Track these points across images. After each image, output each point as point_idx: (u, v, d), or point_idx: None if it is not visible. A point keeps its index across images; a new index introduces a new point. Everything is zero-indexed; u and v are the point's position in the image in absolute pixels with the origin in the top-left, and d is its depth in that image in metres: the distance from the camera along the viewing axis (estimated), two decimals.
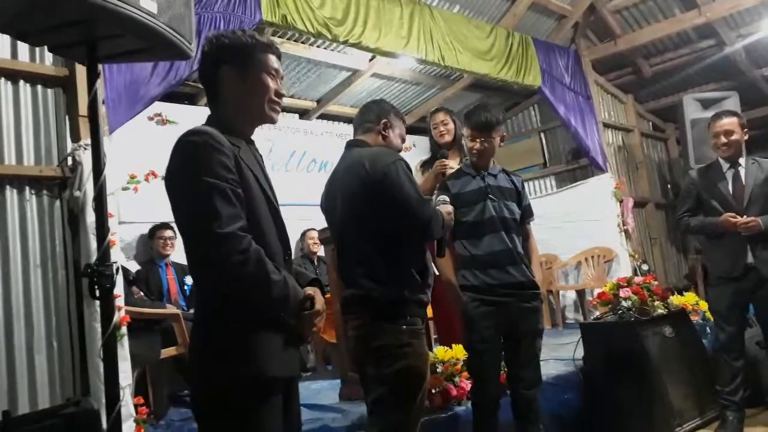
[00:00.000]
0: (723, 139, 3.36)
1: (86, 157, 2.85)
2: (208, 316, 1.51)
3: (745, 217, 3.20)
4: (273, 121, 1.69)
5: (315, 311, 1.58)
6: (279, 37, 5.06)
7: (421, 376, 2.12)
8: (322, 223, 2.54)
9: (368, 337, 2.13)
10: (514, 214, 2.74)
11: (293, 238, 4.91)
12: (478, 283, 2.65)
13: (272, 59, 1.67)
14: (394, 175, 2.09)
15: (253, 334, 1.47)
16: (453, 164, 3.47)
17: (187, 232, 1.50)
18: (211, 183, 1.44)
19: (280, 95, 1.68)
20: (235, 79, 1.62)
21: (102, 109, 2.93)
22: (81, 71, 2.97)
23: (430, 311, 3.25)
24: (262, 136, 1.66)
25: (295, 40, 5.23)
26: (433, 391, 2.95)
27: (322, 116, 6.54)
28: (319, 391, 3.65)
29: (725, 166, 3.40)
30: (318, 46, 5.43)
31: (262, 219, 1.55)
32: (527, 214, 2.84)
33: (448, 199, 2.51)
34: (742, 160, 3.39)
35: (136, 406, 2.86)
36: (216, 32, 1.71)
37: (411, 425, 2.11)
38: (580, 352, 3.73)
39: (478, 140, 2.73)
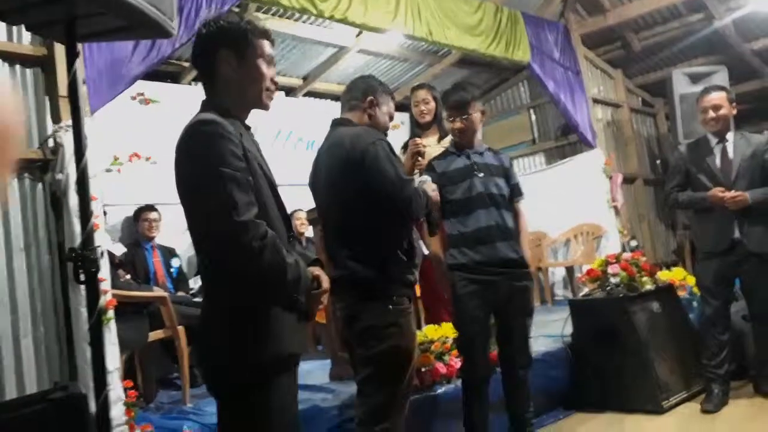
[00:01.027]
0: (711, 114, 3.36)
1: (67, 139, 2.79)
2: (226, 299, 1.56)
3: (732, 191, 3.22)
4: (267, 108, 1.72)
5: (323, 290, 1.66)
6: (263, 12, 4.96)
7: (407, 355, 2.14)
8: (309, 203, 2.52)
9: (355, 317, 2.14)
10: (502, 190, 2.73)
11: None
12: (466, 261, 2.65)
13: (267, 46, 1.70)
14: (373, 155, 2.08)
15: (271, 314, 1.54)
16: (430, 142, 3.43)
17: (204, 220, 1.55)
18: (226, 172, 1.48)
19: (275, 83, 1.71)
20: (233, 64, 1.63)
21: (82, 90, 2.87)
22: (60, 50, 2.89)
23: (418, 290, 3.26)
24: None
25: (279, 16, 5.13)
26: (422, 369, 2.97)
27: (309, 93, 6.46)
28: (309, 372, 3.65)
29: (713, 140, 3.41)
30: (303, 22, 5.33)
31: (267, 203, 1.59)
32: (516, 192, 2.82)
33: (429, 178, 2.48)
34: (729, 135, 3.39)
35: (125, 389, 2.85)
36: (213, 17, 1.74)
37: (399, 404, 2.13)
38: (569, 329, 3.76)
39: (457, 120, 2.72)
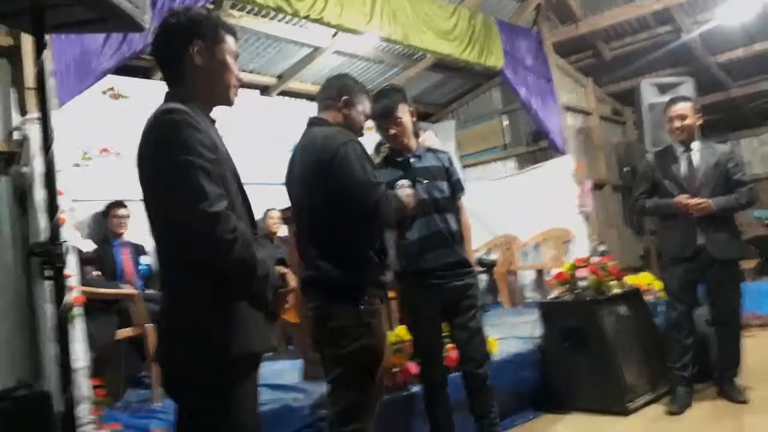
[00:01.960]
0: (677, 123, 3.45)
1: (34, 131, 2.73)
2: (190, 295, 1.49)
3: (697, 198, 3.30)
4: (231, 104, 1.69)
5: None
6: (238, 10, 4.91)
7: (377, 355, 2.13)
8: (283, 202, 2.50)
9: (325, 317, 2.13)
10: (444, 192, 2.73)
11: None
12: (413, 268, 2.67)
13: (233, 42, 1.67)
14: (342, 156, 2.07)
15: (236, 311, 1.49)
16: None
17: (171, 211, 1.47)
18: (195, 162, 1.43)
19: (239, 80, 1.69)
20: (205, 56, 1.59)
21: (51, 82, 2.81)
22: (27, 41, 2.82)
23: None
24: (219, 111, 1.61)
25: (254, 14, 5.09)
26: (394, 369, 2.97)
27: (284, 93, 6.42)
28: (281, 371, 3.63)
29: (679, 149, 3.49)
30: (278, 21, 5.30)
31: (233, 198, 1.54)
32: (457, 188, 2.81)
33: (407, 182, 2.47)
34: (695, 144, 3.48)
35: (92, 387, 2.79)
36: (181, 7, 1.69)
37: (370, 404, 2.13)
38: (538, 331, 3.81)
39: (387, 128, 2.71)
